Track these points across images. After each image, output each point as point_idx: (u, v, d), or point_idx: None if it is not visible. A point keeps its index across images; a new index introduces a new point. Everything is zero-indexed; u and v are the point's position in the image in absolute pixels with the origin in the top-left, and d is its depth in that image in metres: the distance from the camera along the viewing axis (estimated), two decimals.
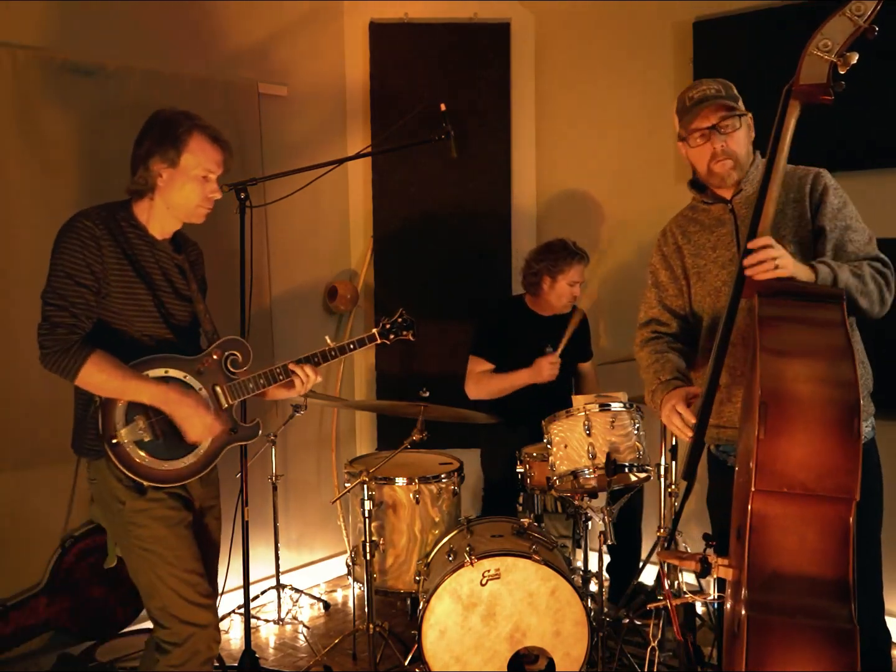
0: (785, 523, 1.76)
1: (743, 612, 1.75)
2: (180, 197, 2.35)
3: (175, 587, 2.30)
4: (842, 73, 1.96)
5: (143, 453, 2.27)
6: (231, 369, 2.46)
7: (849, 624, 1.71)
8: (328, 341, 2.61)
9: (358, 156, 3.48)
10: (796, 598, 1.74)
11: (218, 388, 2.42)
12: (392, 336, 2.71)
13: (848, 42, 1.94)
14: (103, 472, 2.30)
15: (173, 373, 2.34)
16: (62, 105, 3.19)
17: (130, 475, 2.26)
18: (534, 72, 4.34)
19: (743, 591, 1.77)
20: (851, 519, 1.74)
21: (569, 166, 4.29)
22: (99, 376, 2.21)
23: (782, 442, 1.75)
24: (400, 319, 2.73)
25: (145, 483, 2.28)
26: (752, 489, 1.75)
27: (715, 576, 1.93)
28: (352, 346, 2.64)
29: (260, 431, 2.54)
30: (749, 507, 1.77)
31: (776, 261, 1.99)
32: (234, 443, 2.49)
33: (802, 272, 2.05)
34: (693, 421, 2.15)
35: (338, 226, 4.34)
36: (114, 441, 2.24)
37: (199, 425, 2.33)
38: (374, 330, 2.71)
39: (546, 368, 3.51)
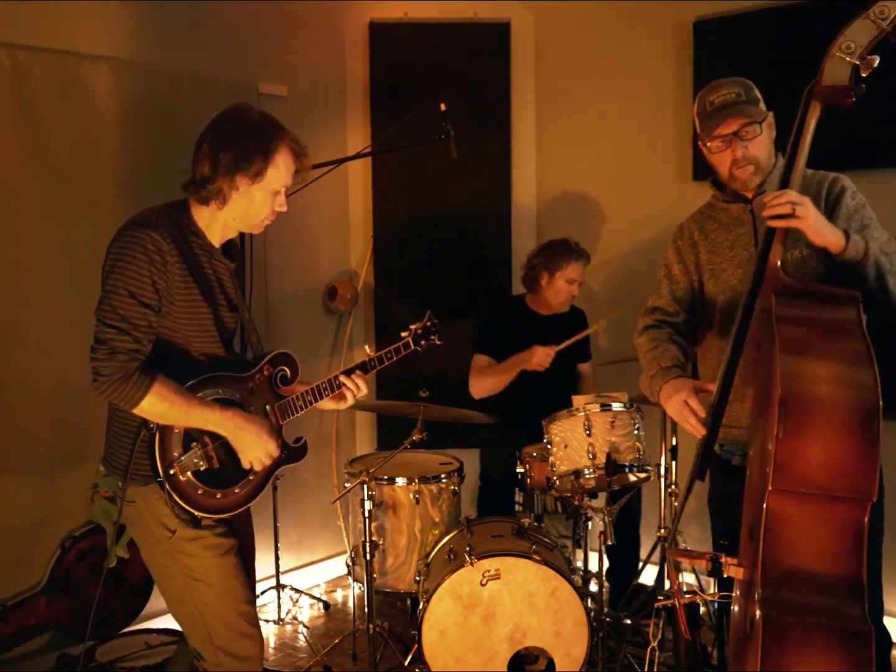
0: (800, 523, 1.76)
1: (758, 610, 1.74)
2: (252, 209, 2.17)
3: (226, 618, 2.18)
4: (864, 75, 1.96)
5: (198, 482, 2.13)
6: (279, 385, 2.33)
7: (864, 625, 1.72)
8: (367, 350, 2.50)
9: (358, 156, 3.48)
10: (811, 597, 1.74)
11: (268, 408, 2.29)
12: (423, 342, 2.55)
13: (871, 45, 1.94)
14: (148, 498, 2.14)
15: (227, 394, 2.19)
16: (62, 105, 3.19)
17: (186, 507, 2.12)
18: (534, 72, 4.34)
19: (757, 590, 1.77)
20: (866, 520, 1.75)
21: (569, 166, 4.29)
22: (162, 406, 2.04)
23: (800, 442, 1.75)
24: (429, 323, 2.56)
25: (198, 514, 2.14)
26: (770, 488, 1.75)
27: (725, 574, 1.92)
28: (389, 356, 2.49)
29: (307, 451, 2.39)
30: (764, 506, 1.77)
31: (795, 206, 1.97)
32: (284, 465, 2.33)
33: (828, 229, 2.04)
34: (703, 414, 2.14)
35: (338, 226, 4.33)
36: (171, 472, 2.10)
37: (261, 453, 2.20)
38: (406, 336, 2.54)
39: (537, 354, 3.49)
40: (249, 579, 2.36)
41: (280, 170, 2.17)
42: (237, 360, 2.34)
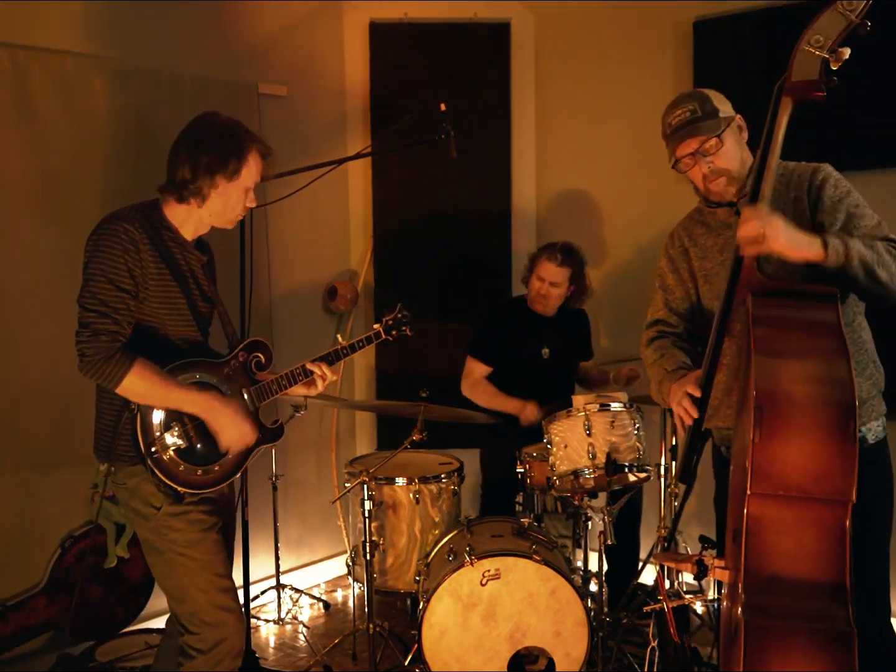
0: (781, 526, 1.75)
1: (739, 614, 1.74)
2: (227, 207, 2.34)
3: (208, 592, 2.30)
4: (834, 68, 1.94)
5: (179, 460, 2.25)
6: (255, 371, 2.46)
7: (846, 626, 1.70)
8: (339, 339, 2.65)
9: (358, 156, 3.48)
10: (793, 601, 1.73)
11: (244, 392, 2.42)
12: (394, 332, 2.73)
13: (840, 37, 1.91)
14: (136, 478, 2.27)
15: (204, 378, 2.32)
16: (62, 105, 3.19)
17: (169, 483, 2.24)
18: (534, 72, 4.34)
19: (740, 594, 1.76)
20: (847, 522, 1.72)
21: (569, 166, 4.29)
22: (142, 385, 2.18)
23: (777, 444, 1.73)
24: (399, 315, 2.75)
25: (181, 490, 2.26)
26: (748, 492, 1.74)
27: (712, 577, 1.92)
28: (360, 344, 2.68)
29: (284, 433, 2.52)
30: (745, 510, 1.76)
31: (759, 231, 1.93)
32: (261, 445, 2.46)
33: (804, 244, 1.97)
34: (699, 393, 2.13)
35: (338, 226, 4.33)
36: (153, 450, 2.22)
37: (237, 434, 2.32)
38: (378, 327, 2.72)
39: (527, 415, 3.54)
40: (229, 560, 2.49)
41: (251, 169, 2.35)
42: (213, 350, 2.46)
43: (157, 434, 2.23)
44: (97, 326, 2.16)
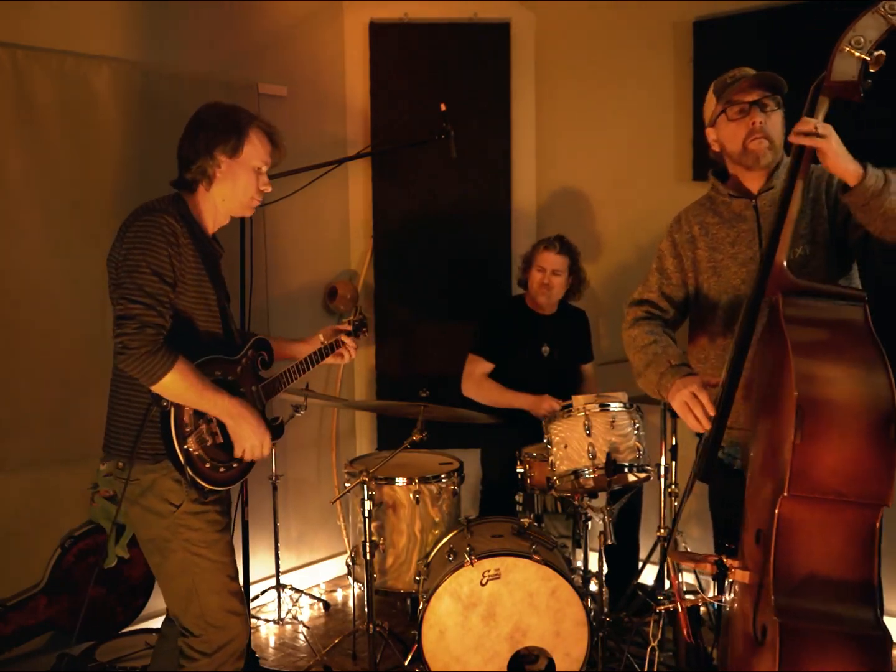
0: (813, 528, 1.74)
1: (774, 618, 1.72)
2: (238, 188, 2.33)
3: (220, 595, 2.29)
4: (872, 71, 1.92)
5: (206, 457, 2.26)
6: (260, 368, 2.49)
7: (877, 630, 1.70)
8: (321, 338, 2.70)
9: (358, 156, 3.48)
10: (824, 603, 1.72)
11: (254, 389, 2.44)
12: (358, 333, 2.84)
13: (880, 40, 1.90)
14: (153, 474, 2.24)
15: (224, 374, 2.32)
16: (62, 105, 3.19)
17: (198, 480, 2.23)
18: (534, 72, 4.34)
19: (769, 597, 1.75)
20: (878, 524, 1.72)
21: (569, 166, 4.29)
22: (181, 384, 2.15)
23: (817, 447, 1.71)
24: (361, 316, 2.86)
25: (207, 487, 2.26)
26: (785, 494, 1.72)
27: (731, 579, 1.91)
28: (339, 343, 2.76)
29: (284, 431, 2.54)
30: (777, 512, 1.74)
31: (818, 131, 1.91)
32: None
33: (848, 158, 1.96)
34: (713, 413, 2.12)
35: (338, 226, 4.33)
36: (185, 446, 2.21)
37: (257, 442, 2.31)
38: (349, 327, 2.81)
39: (545, 408, 3.50)
40: None
41: (256, 146, 2.34)
42: (233, 340, 2.46)
43: (188, 430, 2.23)
44: (144, 318, 2.12)
